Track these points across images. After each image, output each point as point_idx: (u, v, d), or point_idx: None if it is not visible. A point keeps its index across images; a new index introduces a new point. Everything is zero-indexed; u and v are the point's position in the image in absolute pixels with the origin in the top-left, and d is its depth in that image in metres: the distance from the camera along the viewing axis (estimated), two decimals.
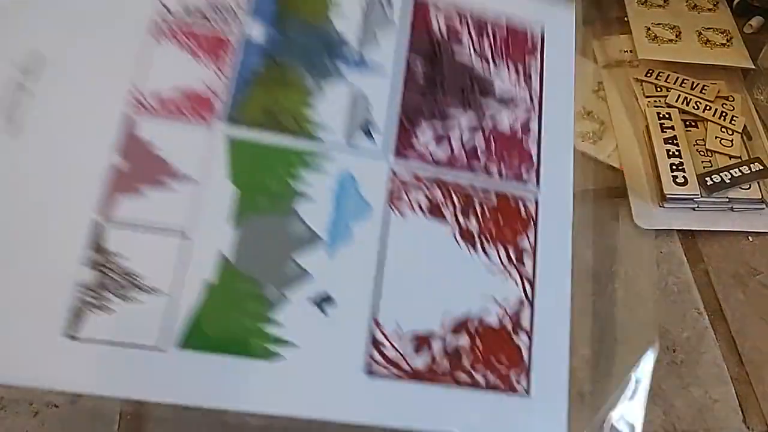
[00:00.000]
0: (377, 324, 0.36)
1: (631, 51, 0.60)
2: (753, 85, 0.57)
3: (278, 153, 0.37)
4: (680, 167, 0.52)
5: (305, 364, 0.34)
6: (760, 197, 0.51)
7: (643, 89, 0.57)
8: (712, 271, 0.49)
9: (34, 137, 0.35)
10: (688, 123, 0.55)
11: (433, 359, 0.36)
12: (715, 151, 0.53)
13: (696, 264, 0.49)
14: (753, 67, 0.57)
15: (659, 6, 0.62)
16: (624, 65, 0.60)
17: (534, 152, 0.42)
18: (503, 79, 0.43)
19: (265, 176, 0.36)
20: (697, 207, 0.51)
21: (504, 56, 0.44)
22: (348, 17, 0.41)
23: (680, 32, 0.59)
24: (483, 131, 0.42)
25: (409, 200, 0.39)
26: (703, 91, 0.56)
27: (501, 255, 0.39)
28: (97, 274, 0.33)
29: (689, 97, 0.56)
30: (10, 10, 0.37)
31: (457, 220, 0.39)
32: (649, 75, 0.58)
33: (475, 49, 0.44)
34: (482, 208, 0.40)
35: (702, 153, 0.53)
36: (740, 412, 0.43)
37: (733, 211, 0.51)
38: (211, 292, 0.34)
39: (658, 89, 0.57)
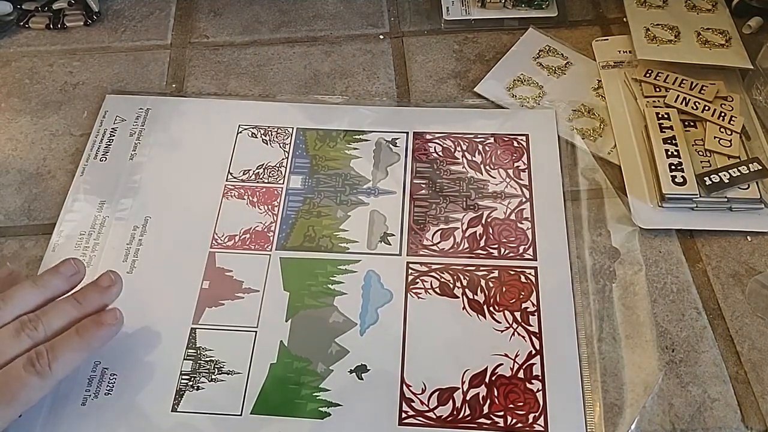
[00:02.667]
0: (405, 384, 0.44)
1: (630, 51, 0.60)
2: (752, 85, 0.57)
3: (318, 264, 0.49)
4: (679, 167, 0.52)
5: (349, 420, 0.43)
6: (759, 197, 0.51)
7: (642, 89, 0.57)
8: (711, 270, 0.49)
9: (145, 272, 0.49)
10: (686, 123, 0.55)
11: (457, 409, 0.43)
12: (713, 151, 0.53)
13: (695, 264, 0.49)
14: (752, 67, 0.57)
15: (658, 7, 0.62)
16: (623, 66, 0.60)
17: (529, 232, 0.50)
18: (496, 180, 0.53)
19: (309, 282, 0.49)
20: (696, 207, 0.51)
21: (494, 164, 0.54)
22: (364, 162, 0.55)
23: (679, 33, 0.59)
24: (481, 222, 0.51)
25: (423, 285, 0.48)
26: (702, 92, 0.56)
27: (508, 318, 0.47)
28: (192, 363, 0.45)
29: (688, 97, 0.56)
30: (137, 197, 0.53)
31: (465, 294, 0.48)
32: (648, 75, 0.58)
33: (468, 163, 0.54)
34: (487, 282, 0.48)
35: (701, 153, 0.53)
36: (739, 412, 0.43)
37: (731, 210, 0.51)
38: (274, 371, 0.45)
39: (657, 89, 0.57)
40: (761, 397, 0.44)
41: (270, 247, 0.50)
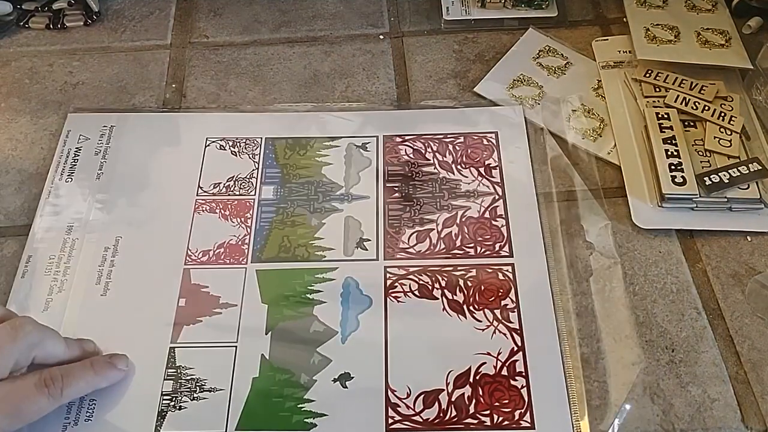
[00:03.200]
0: (390, 389, 0.44)
1: (630, 51, 0.60)
2: (751, 85, 0.57)
3: (295, 274, 0.49)
4: (679, 167, 0.52)
5: (336, 429, 0.43)
6: (759, 197, 0.51)
7: (641, 89, 0.57)
8: (711, 270, 0.49)
9: (119, 293, 0.49)
10: (686, 123, 0.55)
11: (443, 410, 0.43)
12: (713, 151, 0.53)
13: (694, 264, 0.49)
14: (751, 67, 0.57)
15: (658, 7, 0.62)
16: (623, 66, 0.60)
17: (504, 229, 0.51)
18: (468, 179, 0.54)
19: (287, 293, 0.48)
20: (696, 207, 0.51)
21: (465, 163, 0.55)
22: (335, 169, 0.54)
23: (679, 33, 0.59)
24: (456, 222, 0.51)
25: (402, 289, 0.48)
26: (702, 92, 0.56)
27: (488, 316, 0.47)
28: (173, 383, 0.45)
29: (688, 97, 0.56)
30: (106, 217, 0.52)
31: (444, 295, 0.48)
32: (647, 75, 0.58)
33: (440, 163, 0.55)
34: (465, 282, 0.48)
35: (700, 153, 0.53)
36: (738, 412, 0.43)
37: (731, 211, 0.51)
38: (256, 385, 0.45)
39: (657, 89, 0.57)
40: (761, 397, 0.44)
41: (245, 260, 0.50)
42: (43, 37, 0.65)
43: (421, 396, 0.44)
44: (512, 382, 0.44)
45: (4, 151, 0.57)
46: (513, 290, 0.48)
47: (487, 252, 0.50)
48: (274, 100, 0.59)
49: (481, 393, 0.44)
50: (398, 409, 0.43)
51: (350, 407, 0.44)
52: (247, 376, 0.45)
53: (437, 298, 0.48)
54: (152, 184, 0.54)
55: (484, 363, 0.45)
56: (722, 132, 0.54)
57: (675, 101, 0.55)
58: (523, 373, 0.44)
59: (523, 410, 0.43)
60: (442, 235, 0.51)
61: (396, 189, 0.53)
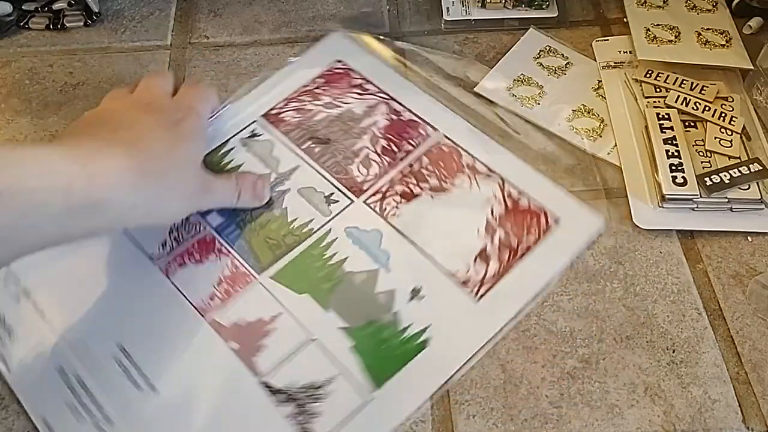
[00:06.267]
0: (454, 276, 0.48)
1: (630, 52, 0.60)
2: (752, 85, 0.57)
3: (303, 258, 0.49)
4: (679, 167, 0.52)
5: (445, 329, 0.46)
6: (759, 198, 0.51)
7: (642, 90, 0.57)
8: (712, 271, 0.49)
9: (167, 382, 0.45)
10: (687, 123, 0.55)
11: (493, 262, 0.49)
12: (714, 152, 0.53)
13: (695, 264, 0.49)
14: (752, 67, 0.57)
15: (658, 7, 0.62)
16: (623, 66, 0.60)
17: (415, 117, 0.56)
18: (354, 104, 0.57)
19: (313, 274, 0.48)
20: (697, 207, 0.51)
21: (342, 94, 0.58)
22: (250, 165, 0.54)
23: (679, 33, 0.59)
24: (378, 136, 0.55)
25: (391, 206, 0.51)
26: (703, 92, 0.56)
27: (465, 175, 0.53)
28: (292, 406, 0.44)
29: (688, 97, 0.56)
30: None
31: (421, 186, 0.52)
32: (648, 76, 0.58)
33: (324, 106, 0.57)
34: (427, 168, 0.53)
35: (701, 153, 0.53)
36: (740, 412, 0.43)
37: (732, 211, 0.51)
38: (360, 350, 0.45)
39: (658, 90, 0.57)
40: (762, 398, 0.44)
41: (252, 277, 0.48)
42: (43, 37, 0.65)
43: (477, 260, 0.48)
44: (521, 208, 0.50)
45: None
46: (461, 150, 0.54)
47: (419, 140, 0.55)
48: None
49: (506, 231, 0.49)
50: (468, 283, 0.47)
51: (439, 310, 0.46)
52: (345, 351, 0.45)
53: (421, 191, 0.52)
54: (99, 275, 0.49)
55: (492, 205, 0.51)
56: (723, 132, 0.54)
57: (675, 101, 0.55)
58: (527, 195, 0.51)
59: (544, 217, 0.50)
60: (378, 151, 0.54)
61: (312, 145, 0.55)
